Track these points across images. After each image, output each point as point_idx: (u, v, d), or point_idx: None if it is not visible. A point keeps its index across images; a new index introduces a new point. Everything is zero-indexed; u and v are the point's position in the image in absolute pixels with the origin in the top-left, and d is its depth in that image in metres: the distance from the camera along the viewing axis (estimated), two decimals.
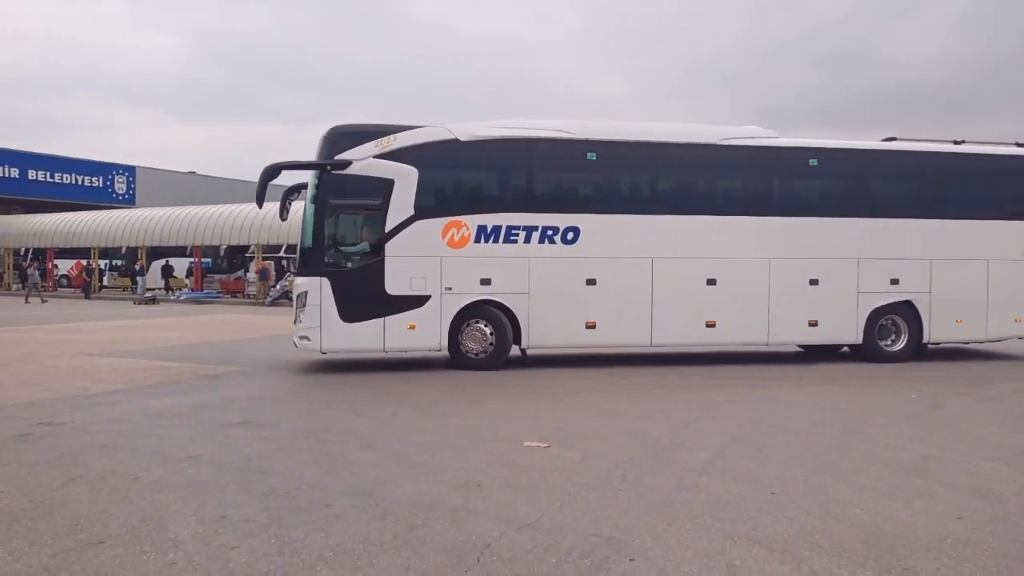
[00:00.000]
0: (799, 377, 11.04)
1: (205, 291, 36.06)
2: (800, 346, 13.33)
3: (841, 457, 6.42)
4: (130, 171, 49.35)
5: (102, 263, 42.61)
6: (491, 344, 11.36)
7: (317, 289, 10.81)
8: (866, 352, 12.41)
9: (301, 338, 11.05)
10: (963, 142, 13.08)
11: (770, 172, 12.36)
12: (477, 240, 11.19)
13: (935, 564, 4.10)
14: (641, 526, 4.64)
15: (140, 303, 31.15)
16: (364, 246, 11.28)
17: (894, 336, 12.61)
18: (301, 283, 11.16)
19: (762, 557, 4.19)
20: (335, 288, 10.84)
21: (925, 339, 12.48)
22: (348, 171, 10.88)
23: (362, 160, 10.91)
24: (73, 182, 46.12)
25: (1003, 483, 5.63)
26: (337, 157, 10.94)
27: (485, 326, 11.34)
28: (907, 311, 12.45)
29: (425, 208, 11.09)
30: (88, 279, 37.37)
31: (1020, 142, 13.30)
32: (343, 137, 11.12)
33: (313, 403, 8.85)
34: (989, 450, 6.68)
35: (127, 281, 39.73)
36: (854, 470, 6.00)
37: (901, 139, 13.05)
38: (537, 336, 11.46)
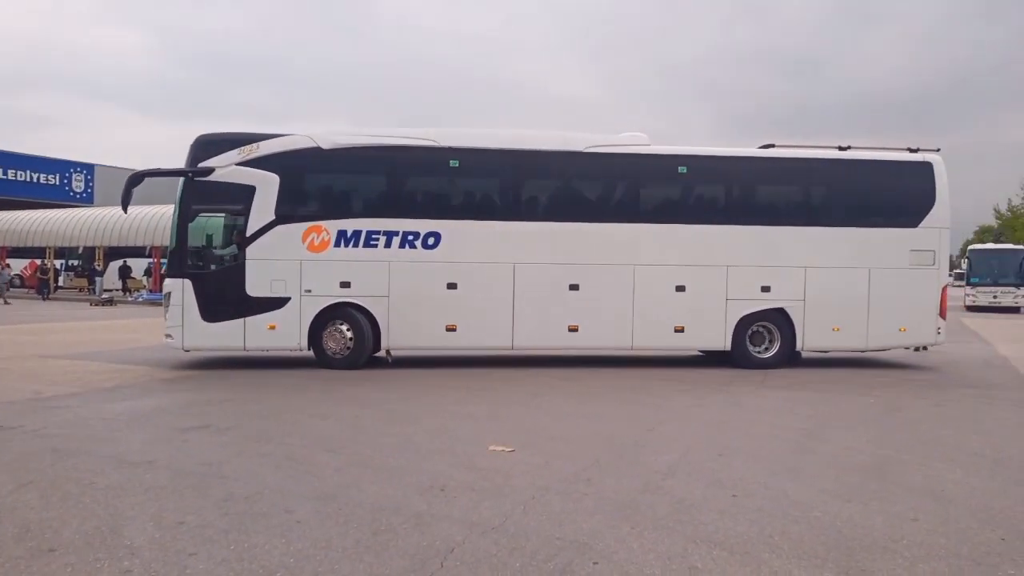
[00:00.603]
0: (762, 381, 11.19)
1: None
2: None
3: (801, 460, 6.53)
4: (88, 169, 48.12)
5: (58, 263, 41.48)
6: (349, 345, 11.59)
7: (180, 290, 11.31)
8: (736, 358, 12.37)
9: (167, 336, 11.52)
10: (848, 148, 12.83)
11: (637, 179, 12.43)
12: (337, 244, 11.50)
13: (891, 565, 4.17)
14: (605, 529, 4.65)
15: (97, 304, 30.41)
16: (226, 249, 11.77)
17: (768, 343, 12.51)
18: (167, 284, 11.76)
19: (723, 559, 4.23)
20: (197, 289, 11.34)
21: (798, 346, 12.40)
22: (211, 178, 11.31)
23: (225, 167, 11.33)
24: (29, 179, 44.78)
25: (956, 485, 5.77)
26: (201, 164, 11.36)
27: (345, 327, 11.58)
28: (780, 318, 12.35)
29: (286, 213, 11.43)
30: (44, 279, 36.37)
31: (912, 147, 12.90)
32: (208, 145, 11.52)
33: (275, 406, 8.71)
34: (944, 452, 6.84)
35: (83, 282, 38.74)
36: (814, 473, 6.09)
37: (780, 145, 12.91)
38: (397, 338, 11.74)
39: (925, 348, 13.05)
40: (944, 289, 12.55)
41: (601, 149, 12.11)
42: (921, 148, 12.82)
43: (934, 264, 12.47)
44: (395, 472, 5.83)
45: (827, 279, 12.29)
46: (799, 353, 12.65)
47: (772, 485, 5.68)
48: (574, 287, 11.85)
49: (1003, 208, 69.17)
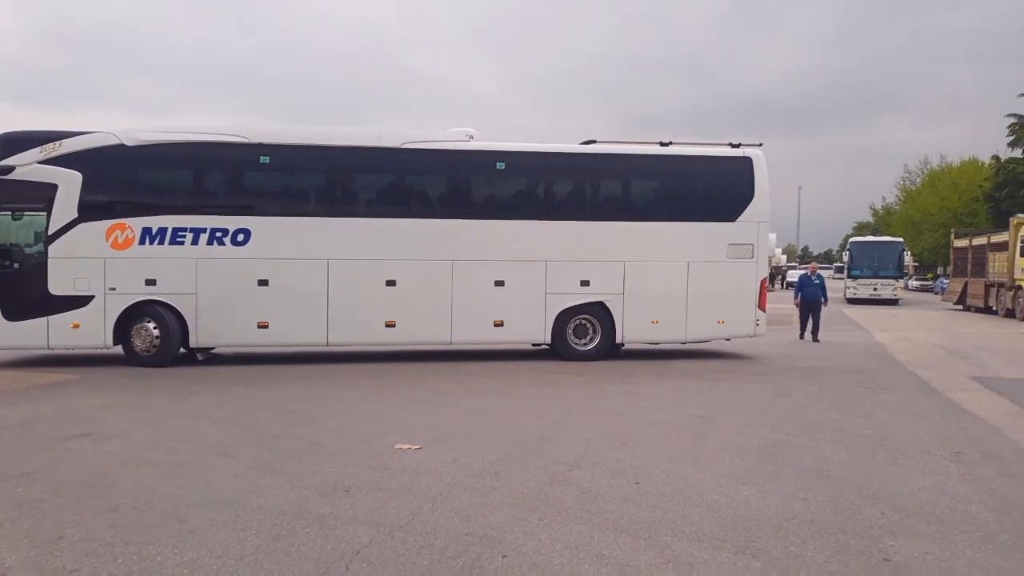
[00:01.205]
0: (661, 372, 11.53)
1: None
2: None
3: (699, 446, 6.76)
4: None
5: None
6: (155, 343, 11.42)
7: None
8: (558, 351, 12.48)
9: None
10: (670, 143, 12.89)
11: (455, 175, 12.49)
12: (142, 242, 11.31)
13: (783, 543, 4.37)
14: (514, 522, 4.65)
15: None
16: (28, 248, 11.49)
17: (591, 336, 12.59)
18: None
19: (628, 545, 4.31)
20: None
21: (618, 339, 12.55)
22: (11, 176, 11.02)
23: (26, 166, 11.07)
24: None
25: (841, 465, 6.12)
26: (2, 163, 11.02)
27: (152, 325, 11.41)
28: (600, 312, 12.49)
29: (89, 211, 11.21)
30: None
31: (734, 142, 12.97)
32: (10, 143, 11.22)
33: (165, 411, 8.25)
34: (830, 434, 7.25)
35: None
36: (711, 458, 6.32)
37: (602, 141, 12.94)
38: (207, 336, 11.60)
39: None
40: (763, 282, 12.85)
41: (418, 145, 12.03)
42: (743, 143, 12.99)
43: (753, 258, 12.70)
44: (296, 475, 5.64)
45: (646, 273, 12.45)
46: (619, 346, 12.80)
47: (672, 471, 5.85)
48: (391, 283, 11.79)
49: (878, 206, 74.49)
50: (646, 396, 9.45)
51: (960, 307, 30.98)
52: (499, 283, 12.11)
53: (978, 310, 28.59)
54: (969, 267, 30.77)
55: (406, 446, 6.48)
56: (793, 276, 61.35)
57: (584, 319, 12.55)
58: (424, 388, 9.87)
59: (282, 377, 10.77)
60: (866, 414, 8.30)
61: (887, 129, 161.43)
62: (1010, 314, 25.36)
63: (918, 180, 63.27)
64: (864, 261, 35.10)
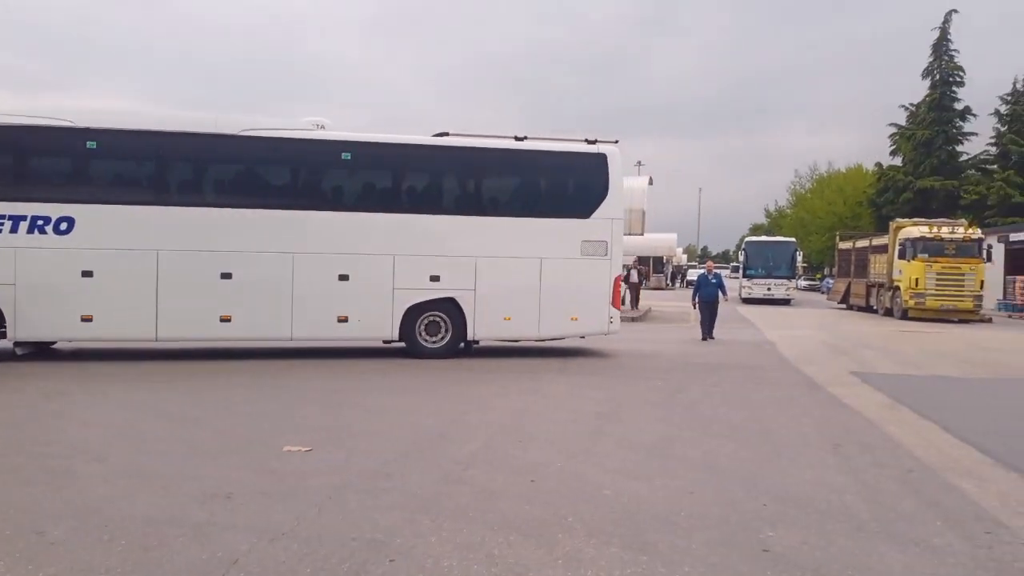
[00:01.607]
0: (561, 369, 11.64)
1: None
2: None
3: (595, 442, 6.83)
4: None
5: None
6: None
7: None
8: (408, 348, 12.17)
9: None
10: (525, 138, 12.68)
11: (297, 165, 12.16)
12: None
13: (671, 536, 4.45)
14: (404, 524, 4.54)
15: None
16: None
17: (443, 333, 12.26)
18: None
19: (519, 544, 4.28)
20: None
21: (470, 336, 12.29)
22: None
23: None
24: None
25: (728, 458, 6.31)
26: None
27: None
28: (451, 308, 12.19)
29: None
30: None
31: (590, 138, 12.76)
32: None
33: (29, 412, 7.64)
34: (719, 428, 7.48)
35: None
36: (606, 453, 6.40)
37: (455, 134, 12.66)
38: (27, 329, 10.97)
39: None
40: (617, 279, 12.79)
41: (257, 133, 11.62)
42: (599, 140, 12.79)
43: (607, 255, 12.57)
44: (173, 480, 5.31)
45: (498, 269, 12.20)
46: (471, 343, 12.56)
47: (568, 468, 5.87)
48: (226, 275, 11.33)
49: (772, 208, 78.37)
50: (547, 394, 9.50)
51: (844, 306, 32.89)
52: (343, 277, 11.67)
53: (860, 309, 30.44)
54: (852, 268, 32.71)
55: (295, 448, 6.23)
56: (693, 275, 63.92)
57: (435, 316, 12.22)
58: (320, 387, 9.57)
59: (164, 374, 10.20)
60: (753, 408, 8.62)
61: (783, 134, 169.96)
62: (889, 313, 27.12)
63: (808, 185, 67.02)
64: (758, 261, 35.50)
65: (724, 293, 17.29)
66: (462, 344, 12.47)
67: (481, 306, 12.22)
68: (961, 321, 24.74)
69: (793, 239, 39.97)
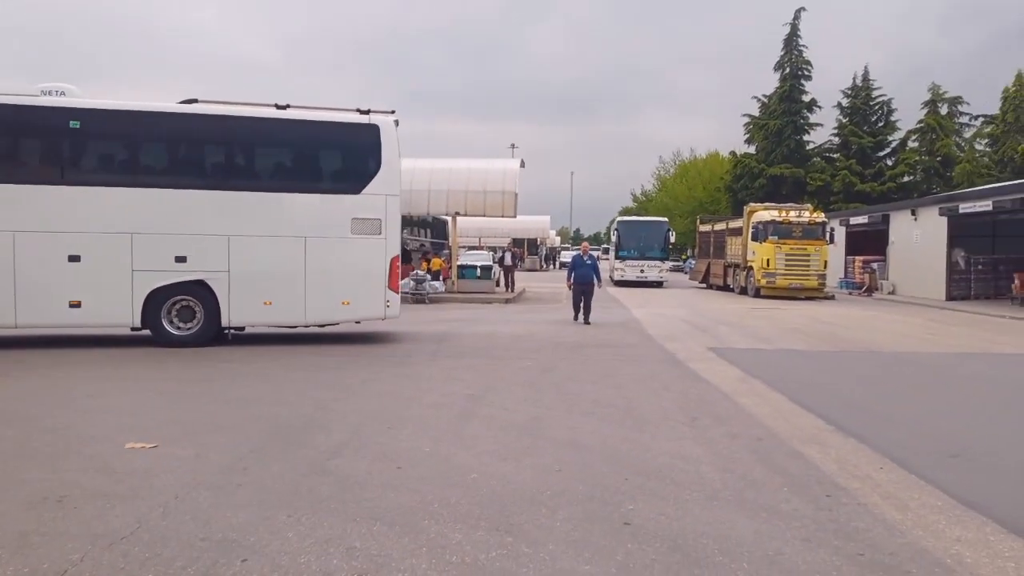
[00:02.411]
0: (434, 352, 11.53)
1: None
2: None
3: (464, 425, 6.78)
4: None
5: None
6: None
7: None
8: (153, 335, 11.25)
9: None
10: (288, 107, 11.82)
11: (15, 134, 11.23)
12: None
13: (536, 515, 4.47)
14: (260, 521, 4.30)
15: None
16: None
17: (198, 319, 11.34)
18: None
19: (382, 534, 4.15)
20: None
21: (224, 322, 11.37)
22: None
23: None
24: None
25: (592, 435, 6.45)
26: None
27: None
28: (203, 292, 11.27)
29: None
30: None
31: (362, 108, 11.92)
32: None
33: None
34: (585, 406, 7.63)
35: None
36: (475, 436, 6.36)
37: (205, 101, 11.63)
38: None
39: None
40: (394, 260, 11.88)
41: None
42: (373, 110, 11.95)
43: (381, 234, 11.73)
44: None
45: (256, 249, 11.36)
46: (226, 331, 11.64)
47: (436, 452, 5.79)
48: None
49: (639, 192, 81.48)
50: (420, 377, 9.36)
51: (704, 285, 34.76)
52: (74, 258, 10.76)
53: (719, 288, 32.24)
54: (712, 250, 34.58)
55: (139, 445, 5.77)
56: (567, 257, 65.45)
57: (186, 300, 11.29)
58: (173, 378, 8.97)
59: None
60: (618, 385, 8.88)
61: (650, 121, 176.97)
62: (744, 291, 28.87)
63: (672, 170, 70.16)
64: (631, 242, 34.31)
65: (598, 279, 16.59)
66: (225, 331, 11.62)
67: (237, 290, 11.30)
68: (808, 298, 26.70)
69: (665, 219, 38.46)
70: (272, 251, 11.44)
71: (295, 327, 12.33)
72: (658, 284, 33.47)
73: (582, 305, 16.41)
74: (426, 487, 4.96)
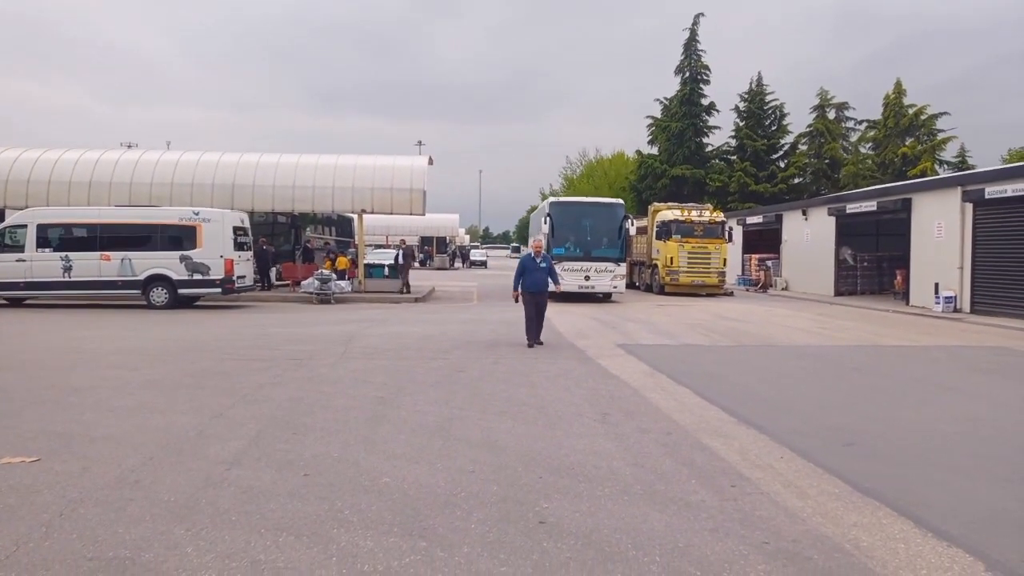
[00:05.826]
0: (341, 353, 11.22)
1: None
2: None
3: (375, 428, 6.60)
4: None
5: None
6: None
7: None
8: None
9: None
10: None
11: None
12: None
13: (450, 518, 4.38)
14: (155, 536, 4.03)
15: None
16: None
17: None
18: None
19: (289, 545, 3.97)
20: None
21: None
22: None
23: None
24: None
25: (507, 435, 6.41)
26: None
27: None
28: None
29: None
30: None
31: None
32: None
33: None
34: (498, 405, 7.59)
35: None
36: (386, 439, 6.20)
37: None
38: None
39: None
40: None
41: None
42: None
43: None
44: None
45: None
46: None
47: (345, 458, 5.60)
48: None
49: (547, 191, 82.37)
50: (326, 380, 9.06)
51: None
52: None
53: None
54: None
55: (16, 459, 5.32)
56: (478, 255, 65.04)
57: None
58: (53, 384, 8.34)
59: None
60: (531, 384, 8.89)
61: (557, 123, 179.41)
62: (649, 288, 29.66)
63: (579, 170, 71.29)
64: (570, 233, 23.24)
65: (556, 281, 13.24)
66: None
67: None
68: (708, 295, 27.70)
69: (620, 201, 26.16)
70: None
71: None
72: (607, 297, 24.26)
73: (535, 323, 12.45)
74: (335, 494, 4.78)
